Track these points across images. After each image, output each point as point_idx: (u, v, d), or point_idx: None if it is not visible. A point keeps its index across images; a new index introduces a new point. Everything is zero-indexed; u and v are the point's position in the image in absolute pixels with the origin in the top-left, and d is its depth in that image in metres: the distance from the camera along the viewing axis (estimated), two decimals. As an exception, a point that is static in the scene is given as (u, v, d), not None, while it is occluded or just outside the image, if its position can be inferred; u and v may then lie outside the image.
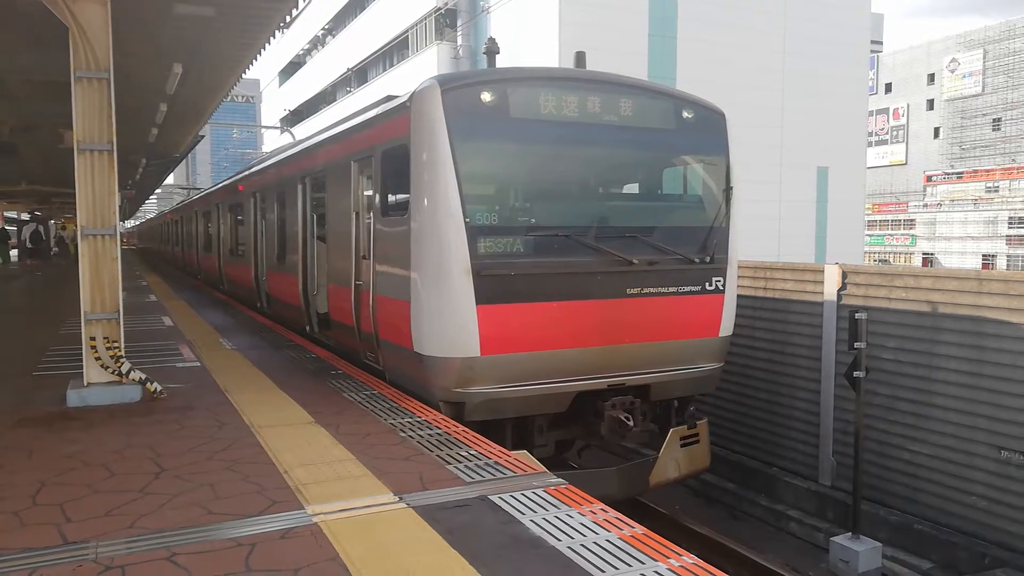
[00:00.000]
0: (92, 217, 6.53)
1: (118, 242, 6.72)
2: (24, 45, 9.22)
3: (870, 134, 59.87)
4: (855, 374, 7.52)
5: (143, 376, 6.77)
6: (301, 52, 51.97)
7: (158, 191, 47.44)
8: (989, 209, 61.61)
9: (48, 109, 12.40)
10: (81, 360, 6.73)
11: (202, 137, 20.16)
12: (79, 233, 6.57)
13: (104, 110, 6.51)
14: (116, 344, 6.68)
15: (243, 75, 11.61)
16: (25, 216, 40.74)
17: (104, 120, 6.51)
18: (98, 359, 6.64)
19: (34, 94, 11.73)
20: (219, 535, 3.78)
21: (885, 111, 73.95)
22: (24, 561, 3.48)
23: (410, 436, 5.54)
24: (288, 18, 8.76)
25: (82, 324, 6.60)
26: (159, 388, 6.80)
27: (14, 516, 4.04)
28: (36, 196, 31.37)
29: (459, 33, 32.72)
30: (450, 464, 4.89)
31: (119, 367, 6.67)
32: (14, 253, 37.03)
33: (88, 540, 3.72)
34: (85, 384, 6.66)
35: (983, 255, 59.78)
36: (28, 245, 32.32)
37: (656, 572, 3.41)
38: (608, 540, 3.74)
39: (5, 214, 45.75)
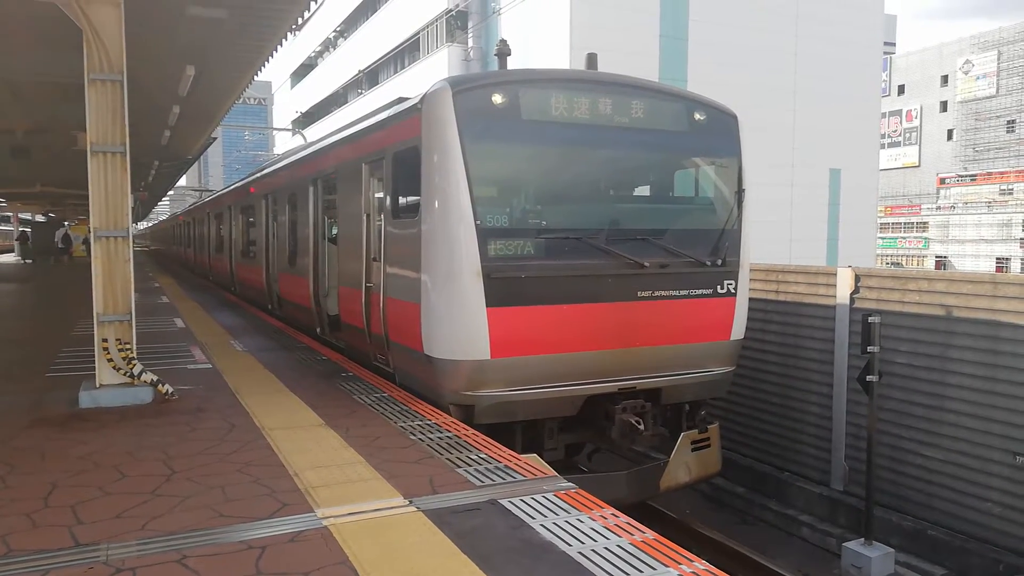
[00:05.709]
0: (105, 219, 6.56)
1: (130, 244, 6.75)
2: (37, 47, 9.30)
3: (883, 136, 59.48)
4: (868, 378, 7.46)
5: (155, 378, 6.80)
6: (313, 54, 52.19)
7: (170, 193, 47.78)
8: (1003, 212, 61.12)
9: (61, 111, 12.52)
10: (93, 361, 6.76)
11: (214, 139, 20.29)
12: (92, 235, 6.60)
13: (117, 112, 6.53)
14: (128, 346, 6.71)
15: (255, 77, 11.69)
16: (40, 218, 42.71)
17: (117, 122, 6.54)
18: (110, 361, 6.67)
19: (47, 96, 11.84)
20: (229, 538, 3.78)
21: (898, 113, 73.54)
22: (36, 563, 3.49)
23: (420, 439, 5.53)
24: (300, 20, 8.81)
25: (94, 325, 6.64)
26: (171, 390, 6.82)
27: (26, 517, 4.06)
28: (50, 198, 31.94)
29: (470, 35, 32.76)
30: (460, 467, 4.88)
31: (131, 368, 6.70)
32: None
33: (99, 542, 3.73)
34: (97, 385, 6.68)
35: (997, 258, 59.30)
36: (59, 245, 37.01)
37: (667, 578, 3.38)
38: (619, 545, 3.72)
39: (20, 216, 47.05)
